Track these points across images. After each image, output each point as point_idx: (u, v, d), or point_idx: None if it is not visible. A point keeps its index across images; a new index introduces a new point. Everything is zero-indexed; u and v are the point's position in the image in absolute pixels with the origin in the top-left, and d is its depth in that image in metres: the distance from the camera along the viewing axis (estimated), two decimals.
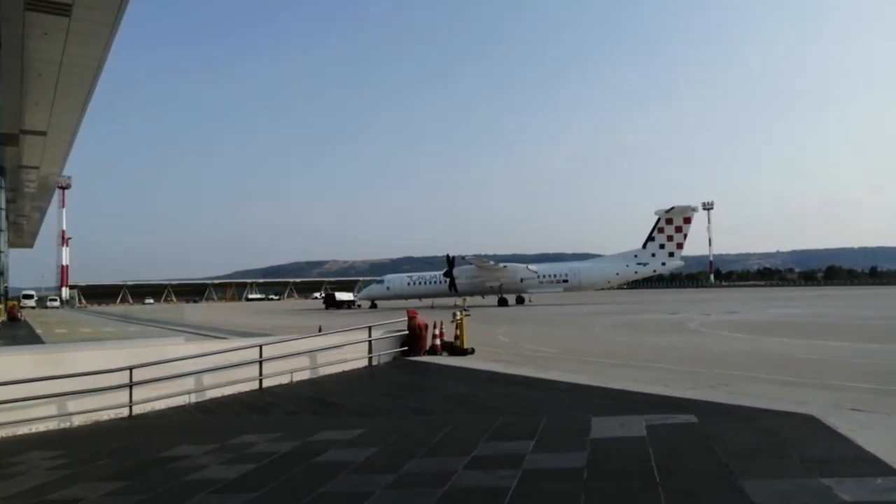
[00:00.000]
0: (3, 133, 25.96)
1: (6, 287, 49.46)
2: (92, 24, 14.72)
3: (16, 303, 59.71)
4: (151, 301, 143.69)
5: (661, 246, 56.48)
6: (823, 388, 9.91)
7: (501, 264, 58.57)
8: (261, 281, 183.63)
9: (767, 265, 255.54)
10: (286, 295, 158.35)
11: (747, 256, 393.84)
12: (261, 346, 13.19)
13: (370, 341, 15.17)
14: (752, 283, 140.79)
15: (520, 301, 58.53)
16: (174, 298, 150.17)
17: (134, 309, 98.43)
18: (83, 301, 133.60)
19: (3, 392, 10.00)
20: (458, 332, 16.09)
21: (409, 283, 61.49)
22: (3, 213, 39.15)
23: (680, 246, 56.66)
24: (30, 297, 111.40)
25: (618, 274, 59.00)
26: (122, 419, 11.17)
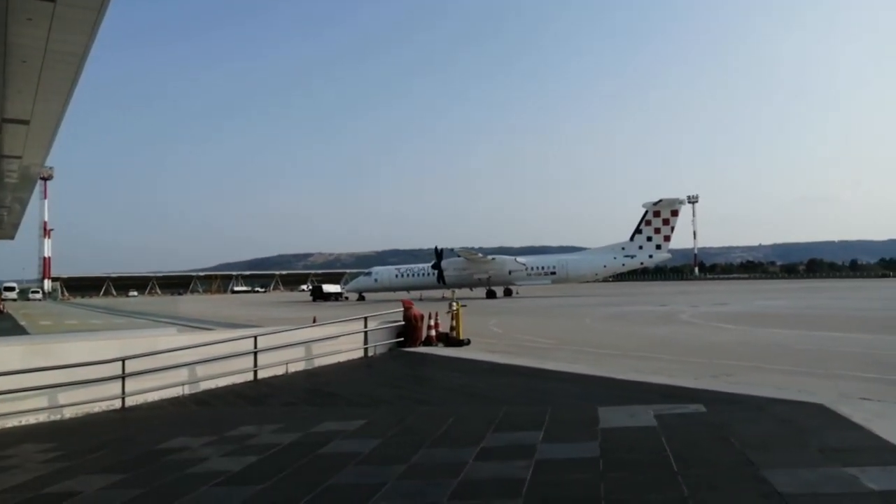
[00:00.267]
0: None
1: None
2: (77, 9, 14.35)
3: None
4: (135, 294, 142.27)
5: (649, 238, 56.79)
6: (826, 377, 9.89)
7: (490, 256, 58.70)
8: (246, 273, 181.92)
9: (750, 258, 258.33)
10: (272, 287, 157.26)
11: (730, 250, 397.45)
12: (255, 337, 13.02)
13: (366, 332, 14.98)
14: (735, 275, 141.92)
15: (507, 293, 58.57)
16: (158, 291, 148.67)
17: (119, 301, 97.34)
18: (66, 293, 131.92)
19: None
20: (455, 323, 15.95)
21: (396, 276, 61.31)
22: None
23: (667, 238, 57.00)
24: (11, 289, 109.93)
25: (605, 266, 59.37)
26: (115, 411, 10.97)
